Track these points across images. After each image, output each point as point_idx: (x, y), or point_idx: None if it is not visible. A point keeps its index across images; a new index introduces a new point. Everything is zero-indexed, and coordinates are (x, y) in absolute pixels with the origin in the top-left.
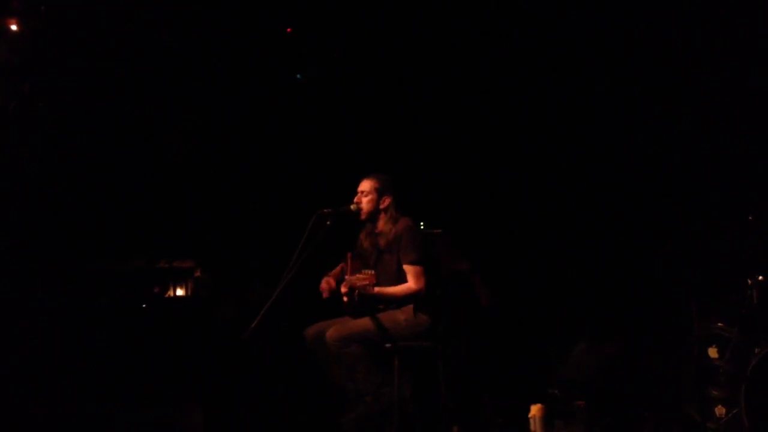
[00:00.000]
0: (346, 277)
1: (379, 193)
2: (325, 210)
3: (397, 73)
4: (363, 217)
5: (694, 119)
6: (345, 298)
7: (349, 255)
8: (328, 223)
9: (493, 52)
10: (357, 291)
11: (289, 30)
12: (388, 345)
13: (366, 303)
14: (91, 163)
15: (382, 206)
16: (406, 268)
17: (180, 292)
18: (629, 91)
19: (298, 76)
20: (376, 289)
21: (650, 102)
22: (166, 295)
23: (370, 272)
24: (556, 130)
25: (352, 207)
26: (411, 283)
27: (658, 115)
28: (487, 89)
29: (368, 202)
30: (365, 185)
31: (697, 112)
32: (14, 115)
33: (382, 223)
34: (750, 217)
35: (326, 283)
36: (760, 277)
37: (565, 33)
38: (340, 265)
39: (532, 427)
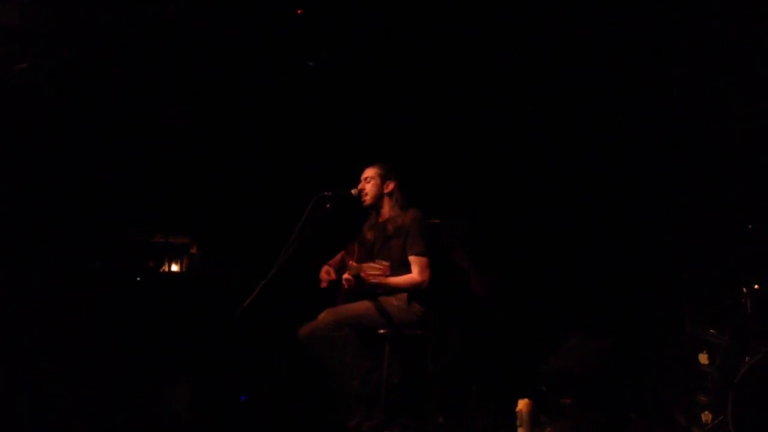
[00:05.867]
0: (351, 263)
1: (383, 178)
2: (326, 193)
3: (404, 65)
4: (368, 203)
5: (706, 117)
6: (345, 285)
7: (356, 244)
8: (328, 206)
9: (508, 42)
10: (367, 282)
11: (299, 11)
12: (382, 331)
13: (368, 291)
14: (93, 133)
15: (386, 190)
16: (412, 259)
17: (174, 267)
18: (630, 87)
19: (310, 63)
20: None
21: (656, 100)
22: (161, 270)
23: (385, 263)
24: (557, 126)
25: (353, 192)
26: (415, 274)
27: (665, 112)
28: (495, 80)
29: (372, 186)
30: (368, 172)
31: (709, 112)
32: (18, 79)
33: (387, 209)
34: (749, 226)
35: (326, 273)
36: (756, 286)
37: (586, 25)
38: (340, 253)
39: (518, 421)
